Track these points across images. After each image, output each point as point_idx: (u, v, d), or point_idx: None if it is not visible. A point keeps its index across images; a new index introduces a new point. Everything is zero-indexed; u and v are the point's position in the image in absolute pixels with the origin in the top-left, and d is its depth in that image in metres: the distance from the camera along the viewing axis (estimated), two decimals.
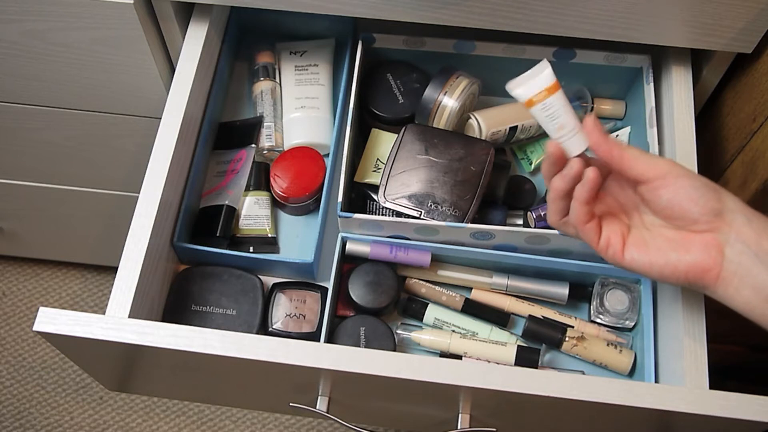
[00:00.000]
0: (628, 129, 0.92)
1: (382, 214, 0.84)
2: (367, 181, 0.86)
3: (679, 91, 0.84)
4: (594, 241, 0.67)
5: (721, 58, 0.84)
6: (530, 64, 0.89)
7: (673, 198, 0.64)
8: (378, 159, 0.87)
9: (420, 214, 0.80)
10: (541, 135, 0.92)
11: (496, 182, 0.85)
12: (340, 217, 0.79)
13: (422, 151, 0.82)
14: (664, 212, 0.66)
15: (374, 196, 0.85)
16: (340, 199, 0.79)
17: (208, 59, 0.88)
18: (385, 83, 0.90)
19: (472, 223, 0.80)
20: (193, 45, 0.84)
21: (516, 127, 0.88)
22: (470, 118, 0.87)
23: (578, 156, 0.66)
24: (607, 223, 0.68)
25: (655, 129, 0.83)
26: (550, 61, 0.89)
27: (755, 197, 0.82)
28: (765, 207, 0.82)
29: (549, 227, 0.83)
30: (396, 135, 0.84)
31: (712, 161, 0.91)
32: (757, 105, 0.81)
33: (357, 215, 0.79)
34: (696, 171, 0.79)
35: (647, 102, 0.85)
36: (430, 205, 0.80)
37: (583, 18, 0.78)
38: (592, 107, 0.93)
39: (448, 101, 0.85)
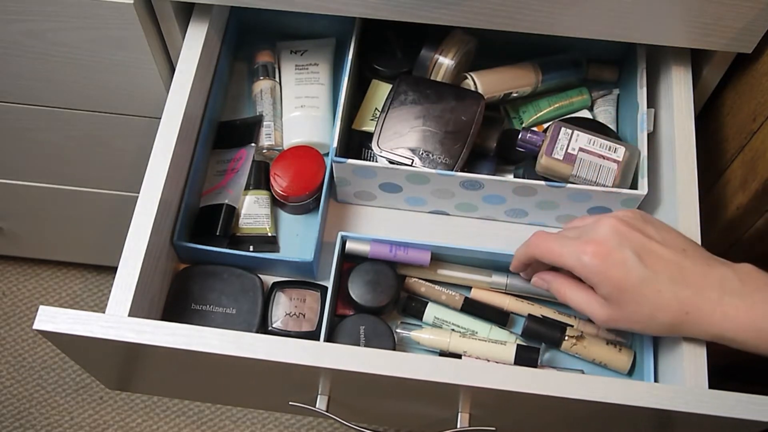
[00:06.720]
0: (616, 92, 0.94)
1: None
2: (364, 129, 0.89)
3: (679, 91, 0.84)
4: None
5: (721, 58, 0.84)
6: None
7: None
8: (376, 108, 0.90)
9: (411, 162, 0.81)
10: (535, 97, 0.93)
11: (488, 134, 0.87)
12: (333, 162, 0.81)
13: (415, 101, 0.84)
14: None
15: (371, 145, 0.87)
16: (335, 144, 0.81)
17: (208, 59, 0.88)
18: (385, 41, 0.92)
19: (461, 172, 0.81)
20: (193, 45, 0.85)
21: (511, 93, 0.90)
22: (466, 78, 0.88)
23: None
24: None
25: (645, 90, 0.84)
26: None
27: (755, 197, 0.82)
28: (765, 207, 0.83)
29: (537, 176, 0.83)
30: None
31: (712, 161, 0.91)
32: (757, 105, 0.81)
33: (350, 161, 0.81)
34: (695, 172, 0.79)
35: (639, 63, 0.87)
36: (422, 154, 0.82)
37: (583, 18, 0.78)
38: (586, 71, 0.94)
39: (444, 60, 0.87)
